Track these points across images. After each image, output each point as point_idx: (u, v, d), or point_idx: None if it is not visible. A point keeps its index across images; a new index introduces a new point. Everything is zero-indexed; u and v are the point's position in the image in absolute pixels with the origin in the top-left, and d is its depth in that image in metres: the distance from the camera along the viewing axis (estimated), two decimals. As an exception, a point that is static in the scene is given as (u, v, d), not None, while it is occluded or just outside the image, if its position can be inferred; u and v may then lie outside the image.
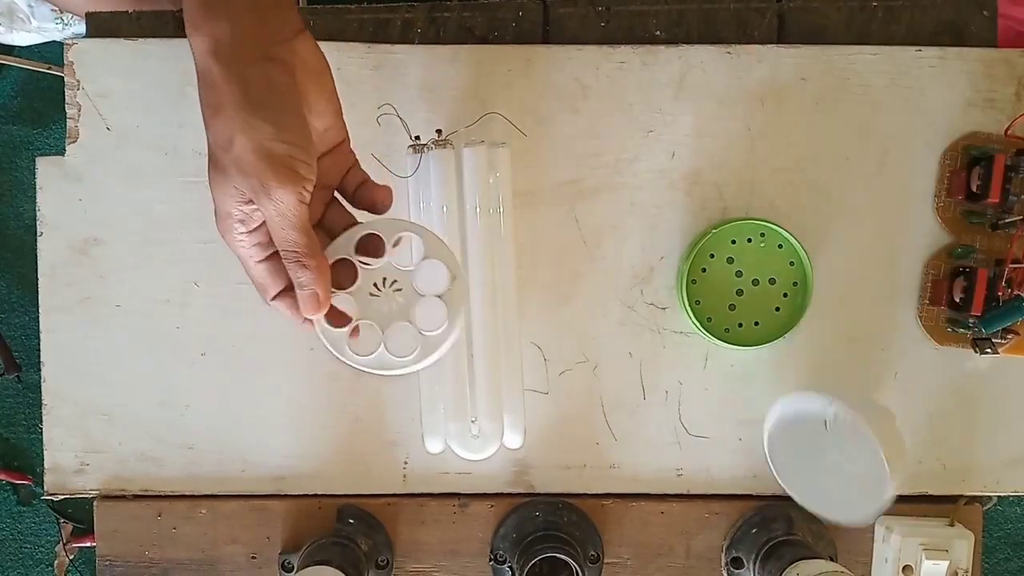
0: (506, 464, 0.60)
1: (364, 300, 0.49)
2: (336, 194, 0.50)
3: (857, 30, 0.60)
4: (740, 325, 0.59)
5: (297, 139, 0.43)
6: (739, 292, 0.58)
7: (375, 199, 0.49)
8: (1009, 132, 0.59)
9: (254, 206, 0.44)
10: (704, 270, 0.58)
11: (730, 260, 0.58)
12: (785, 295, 0.58)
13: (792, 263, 0.58)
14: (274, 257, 0.46)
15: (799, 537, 0.58)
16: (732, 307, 0.59)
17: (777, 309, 0.58)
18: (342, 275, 0.48)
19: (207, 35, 0.42)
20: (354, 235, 0.48)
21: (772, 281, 0.58)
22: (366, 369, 0.48)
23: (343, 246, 0.48)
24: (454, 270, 0.48)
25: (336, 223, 0.49)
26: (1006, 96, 0.59)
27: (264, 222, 0.45)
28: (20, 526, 1.30)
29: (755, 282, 0.58)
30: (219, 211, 0.45)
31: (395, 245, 0.49)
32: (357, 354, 0.48)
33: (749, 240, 0.58)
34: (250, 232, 0.45)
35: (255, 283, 0.47)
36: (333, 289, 0.47)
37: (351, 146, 0.49)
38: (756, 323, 0.59)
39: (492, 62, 0.59)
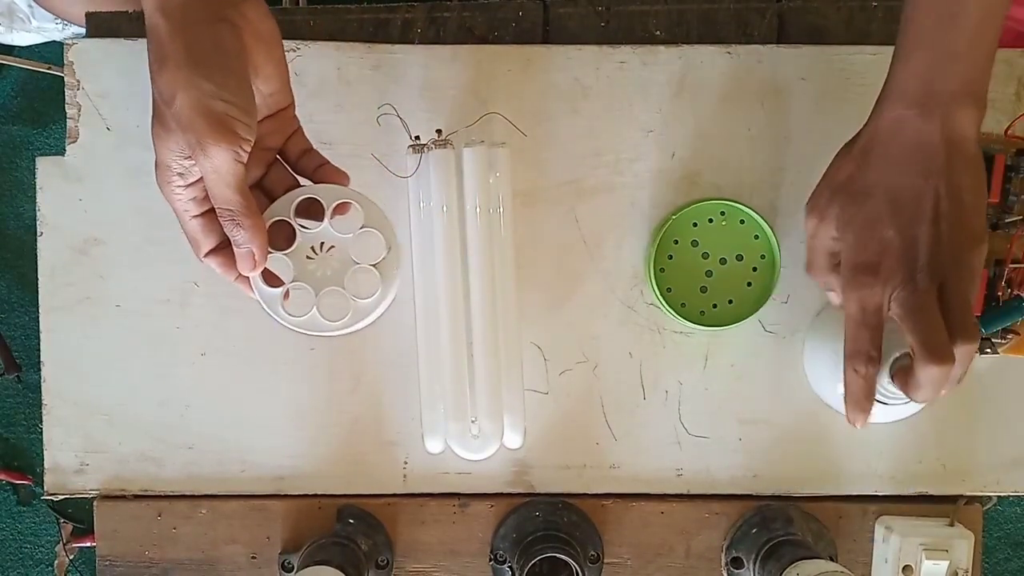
0: (506, 464, 0.60)
1: (300, 263, 0.50)
2: (278, 157, 0.51)
3: (857, 30, 0.60)
4: (715, 306, 0.59)
5: (237, 99, 0.44)
6: (708, 273, 0.59)
7: (331, 180, 0.51)
8: (1009, 132, 0.58)
9: (193, 161, 0.45)
10: (671, 257, 0.58)
11: (695, 243, 0.58)
12: (755, 269, 0.59)
13: (757, 236, 0.58)
14: (209, 213, 0.48)
15: (799, 537, 0.58)
16: (704, 289, 0.59)
17: (749, 284, 0.59)
18: (280, 237, 0.50)
19: None
20: (294, 198, 0.50)
21: (739, 258, 0.58)
22: (296, 329, 0.50)
23: (283, 208, 0.50)
24: (390, 240, 0.50)
25: (276, 185, 0.51)
26: (1006, 96, 0.59)
27: (200, 179, 0.46)
28: (20, 526, 1.30)
29: (723, 261, 0.59)
30: (159, 163, 0.46)
31: (334, 211, 0.50)
32: (290, 314, 0.49)
33: (711, 221, 0.58)
34: (187, 186, 0.47)
35: (189, 238, 0.49)
36: (270, 249, 0.49)
37: (295, 112, 0.51)
38: (730, 301, 0.59)
39: (492, 62, 0.59)
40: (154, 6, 0.44)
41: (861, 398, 0.48)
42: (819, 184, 0.51)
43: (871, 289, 0.46)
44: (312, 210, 0.50)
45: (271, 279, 0.50)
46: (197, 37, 0.44)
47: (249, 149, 0.45)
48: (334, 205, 0.50)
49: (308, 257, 0.51)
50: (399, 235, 0.58)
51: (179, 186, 0.46)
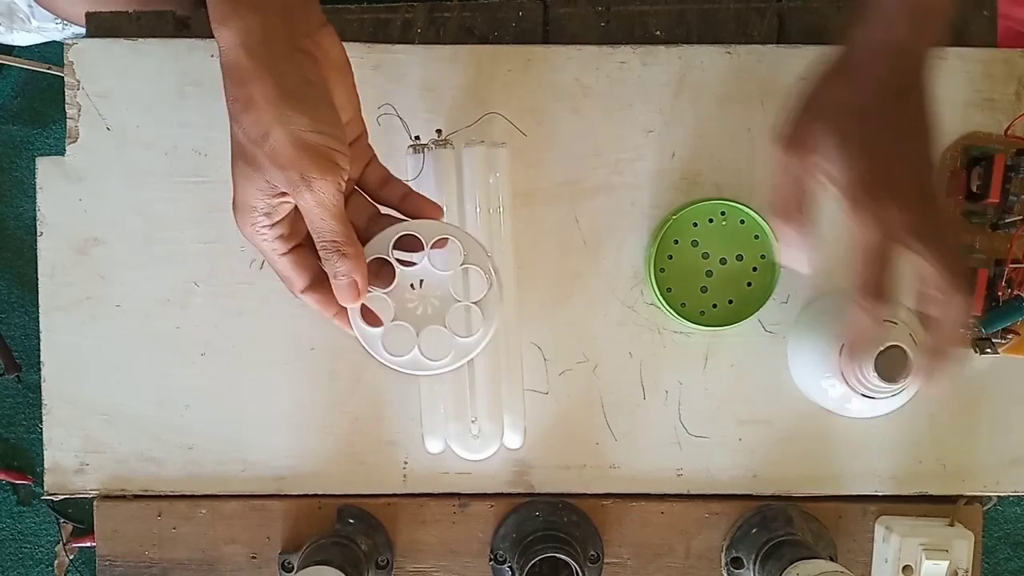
0: (506, 464, 0.60)
1: (400, 300, 0.48)
2: (357, 188, 0.50)
3: (857, 30, 0.60)
4: (715, 306, 0.59)
5: (332, 130, 0.43)
6: (708, 273, 0.59)
7: (422, 212, 0.49)
8: (1009, 132, 0.59)
9: (281, 199, 0.44)
10: (670, 257, 0.58)
11: (695, 243, 0.58)
12: (755, 269, 0.59)
13: (757, 236, 0.58)
14: (298, 249, 0.46)
15: (799, 537, 0.58)
16: (704, 289, 0.59)
17: (748, 284, 0.59)
18: (379, 275, 0.48)
19: (235, 28, 0.42)
20: (392, 235, 0.48)
21: (739, 257, 0.58)
22: (399, 369, 0.48)
23: (381, 245, 0.48)
24: (490, 278, 0.48)
25: (356, 216, 0.49)
26: (1006, 96, 0.59)
27: (286, 216, 0.45)
28: (20, 526, 1.30)
29: (723, 261, 0.59)
30: (242, 205, 0.45)
31: (433, 247, 0.48)
32: (391, 354, 0.48)
33: (711, 221, 0.58)
34: (273, 225, 0.45)
35: (282, 277, 0.47)
36: (369, 288, 0.47)
37: (368, 140, 0.50)
38: (730, 301, 0.59)
39: (492, 62, 0.59)
40: (234, 42, 0.42)
41: (863, 338, 0.46)
42: (795, 113, 0.47)
43: (889, 212, 0.43)
44: (407, 245, 0.48)
45: (370, 317, 0.48)
46: (284, 71, 0.42)
47: (347, 178, 0.44)
48: (433, 241, 0.48)
49: (407, 296, 0.49)
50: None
51: (265, 226, 0.45)
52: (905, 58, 0.46)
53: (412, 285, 0.49)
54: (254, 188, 0.44)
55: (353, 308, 0.47)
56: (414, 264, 0.48)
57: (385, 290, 0.48)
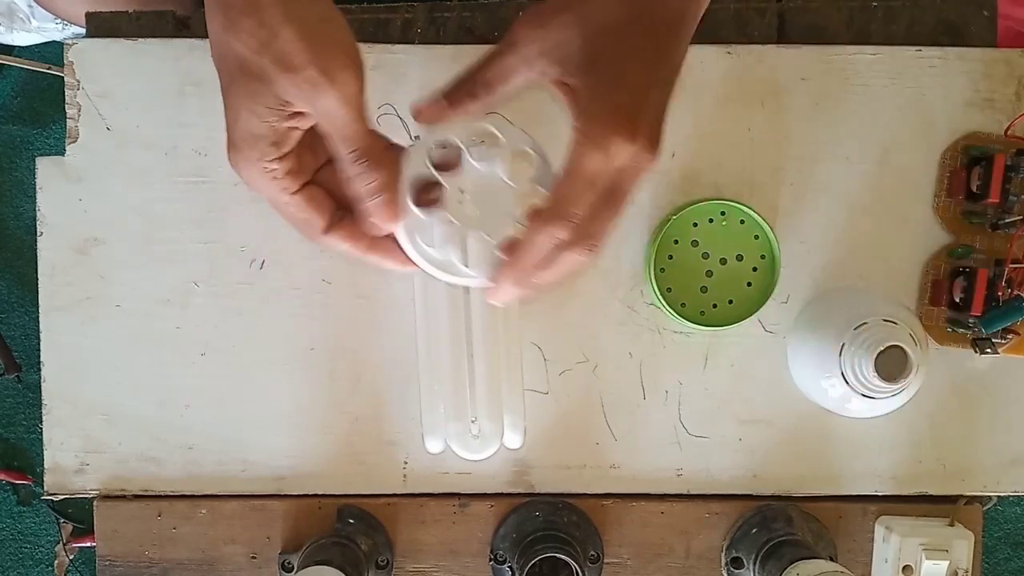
0: (506, 464, 0.60)
1: (453, 196, 0.44)
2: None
3: (857, 30, 0.60)
4: (715, 306, 0.59)
5: (343, 19, 0.39)
6: (708, 273, 0.59)
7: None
8: (1009, 132, 0.59)
9: (291, 122, 0.40)
10: (671, 257, 0.58)
11: (695, 243, 0.58)
12: (755, 269, 0.58)
13: (757, 236, 0.58)
14: (308, 187, 0.42)
15: (799, 537, 0.58)
16: (704, 289, 0.59)
17: (749, 284, 0.59)
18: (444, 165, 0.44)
19: None
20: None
21: (740, 257, 0.58)
22: (428, 268, 0.45)
23: (418, 160, 0.44)
24: (537, 160, 0.45)
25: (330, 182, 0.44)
26: (1006, 96, 0.59)
27: (294, 148, 0.41)
28: (20, 526, 1.30)
29: (723, 261, 0.59)
30: (244, 138, 0.40)
31: (514, 157, 0.45)
32: (426, 246, 0.44)
33: (711, 221, 0.58)
34: (282, 158, 0.40)
35: (296, 220, 0.42)
36: (432, 171, 0.43)
37: None
38: (730, 301, 0.59)
39: (492, 62, 0.59)
40: None
41: (532, 264, 0.42)
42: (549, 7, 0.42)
43: (621, 145, 0.40)
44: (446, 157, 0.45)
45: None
46: None
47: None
48: (515, 152, 0.45)
49: (461, 191, 0.44)
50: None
51: (273, 159, 0.40)
52: None
53: (472, 184, 0.45)
54: (261, 109, 0.39)
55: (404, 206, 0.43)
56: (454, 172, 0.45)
57: (428, 211, 0.44)
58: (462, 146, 0.45)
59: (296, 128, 0.41)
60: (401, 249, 0.45)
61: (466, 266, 0.45)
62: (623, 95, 0.40)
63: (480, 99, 0.43)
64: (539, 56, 0.42)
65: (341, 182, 0.43)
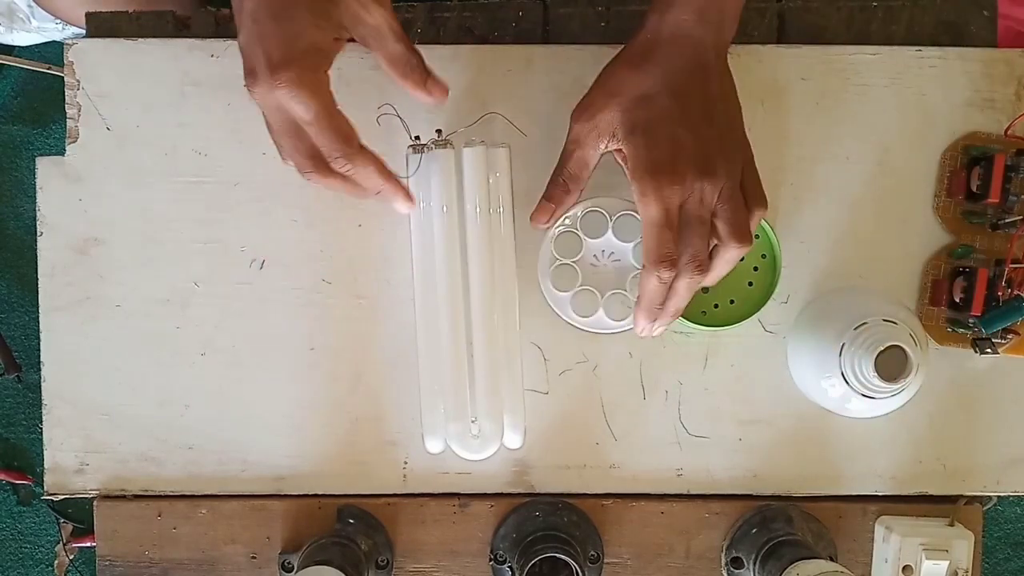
0: (506, 464, 0.60)
1: (585, 269, 0.56)
2: None
3: (857, 30, 0.60)
4: (716, 306, 0.59)
5: None
6: None
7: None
8: (1009, 132, 0.59)
9: (340, 37, 0.46)
10: None
11: None
12: (756, 268, 0.58)
13: (757, 236, 0.58)
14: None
15: (799, 537, 0.58)
16: (705, 289, 0.59)
17: (750, 284, 0.59)
18: (567, 247, 0.56)
19: None
20: (580, 211, 0.56)
21: (740, 257, 0.58)
22: (584, 328, 0.56)
23: (571, 220, 0.56)
24: None
25: None
26: (1006, 96, 0.59)
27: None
28: (20, 526, 1.30)
29: None
30: (307, 51, 0.45)
31: (615, 221, 0.56)
32: (578, 315, 0.56)
33: None
34: (328, 71, 0.46)
35: (339, 134, 0.47)
36: (557, 256, 0.56)
37: None
38: (731, 301, 0.59)
39: (492, 62, 0.59)
40: None
41: (656, 303, 0.50)
42: (591, 93, 0.52)
43: (671, 188, 0.47)
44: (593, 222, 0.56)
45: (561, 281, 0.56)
46: None
47: None
48: (616, 217, 0.56)
49: (592, 264, 0.56)
50: (399, 235, 0.59)
51: (327, 72, 0.46)
52: (691, 47, 0.49)
53: (596, 256, 0.57)
54: (325, 23, 0.45)
55: (545, 276, 0.56)
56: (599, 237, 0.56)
57: (573, 260, 0.56)
58: (576, 230, 0.56)
59: (340, 43, 0.46)
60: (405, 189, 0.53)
61: (612, 320, 0.56)
62: (658, 150, 0.48)
63: (572, 192, 0.53)
64: (597, 140, 0.51)
65: (395, 77, 0.50)
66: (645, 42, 0.50)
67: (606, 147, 0.51)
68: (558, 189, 0.53)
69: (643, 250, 0.49)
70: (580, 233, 0.56)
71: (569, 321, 0.56)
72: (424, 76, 0.50)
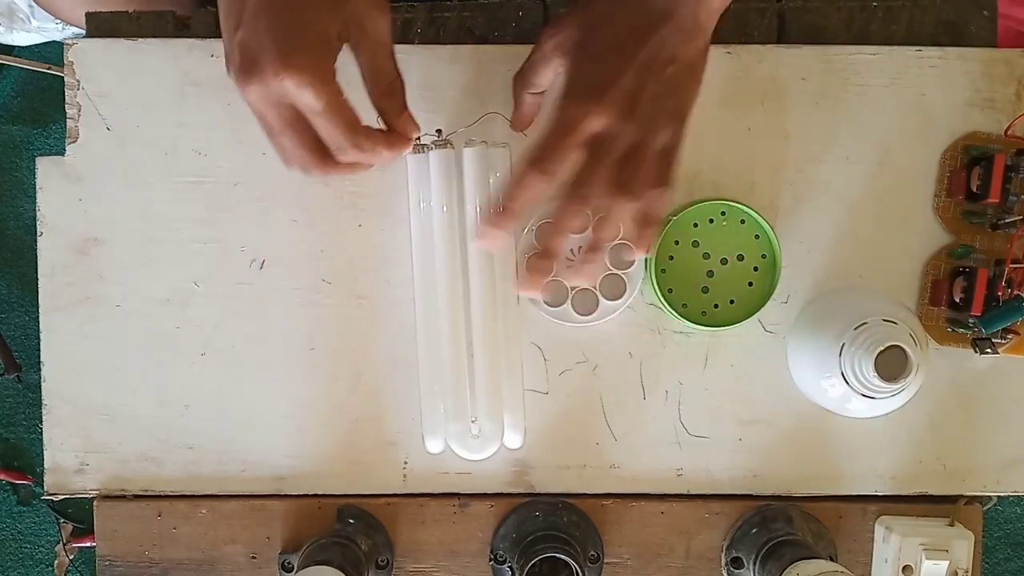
0: (506, 464, 0.60)
1: (560, 261, 0.55)
2: None
3: (857, 30, 0.60)
4: (716, 306, 0.59)
5: None
6: (710, 274, 0.59)
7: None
8: (1009, 132, 0.59)
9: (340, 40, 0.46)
10: (671, 258, 0.58)
11: (695, 244, 0.58)
12: (756, 268, 0.59)
13: (757, 236, 0.58)
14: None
15: (799, 537, 0.58)
16: (705, 289, 0.59)
17: (750, 284, 0.59)
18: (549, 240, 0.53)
19: None
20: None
21: (740, 257, 0.59)
22: (549, 317, 0.58)
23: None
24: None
25: None
26: (1006, 96, 0.59)
27: None
28: (20, 526, 1.30)
29: (724, 261, 0.59)
30: (318, 41, 0.45)
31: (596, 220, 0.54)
32: (547, 304, 0.58)
33: (711, 221, 0.58)
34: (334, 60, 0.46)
35: (346, 122, 0.46)
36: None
37: None
38: (731, 301, 0.59)
39: (492, 62, 0.59)
40: None
41: (509, 201, 0.47)
42: (567, 11, 0.51)
43: (594, 114, 0.45)
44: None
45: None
46: None
47: None
48: (598, 217, 0.55)
49: (568, 258, 0.57)
50: (399, 235, 0.59)
51: (334, 65, 0.46)
52: (678, 4, 0.47)
53: (573, 251, 0.58)
54: (333, 15, 0.45)
55: (520, 263, 0.58)
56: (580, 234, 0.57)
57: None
58: (592, 218, 0.55)
59: (340, 42, 0.46)
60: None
61: (578, 313, 0.58)
62: (597, 70, 0.46)
63: (524, 88, 0.54)
64: (553, 50, 0.50)
65: (374, 94, 0.49)
66: None
67: (558, 66, 0.50)
68: (517, 87, 0.54)
69: (528, 154, 0.46)
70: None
71: (537, 308, 0.58)
72: (404, 105, 0.50)
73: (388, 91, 0.49)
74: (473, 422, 0.56)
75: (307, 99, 0.44)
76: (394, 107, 0.49)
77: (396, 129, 0.50)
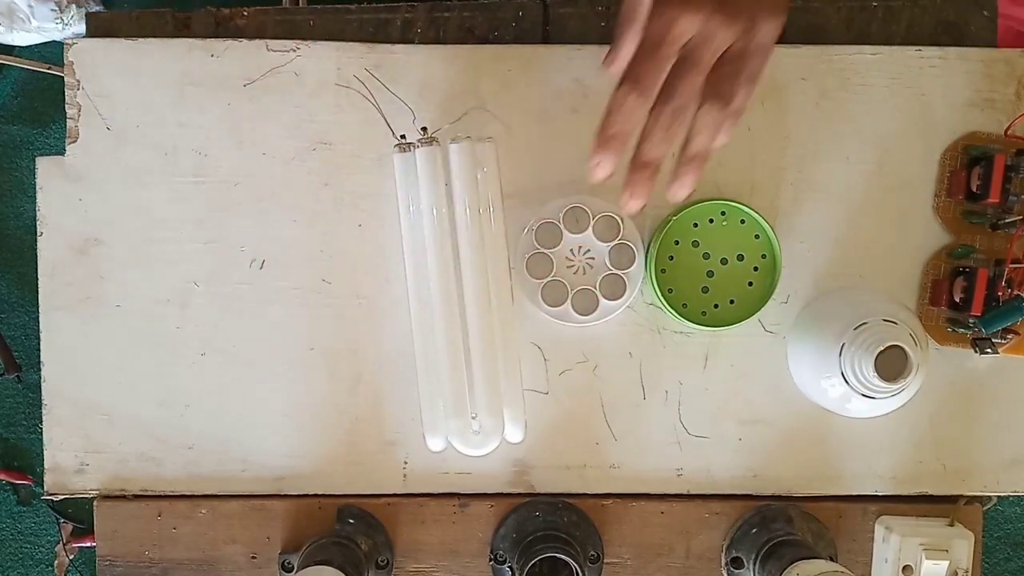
0: (506, 464, 0.60)
1: (560, 261, 0.58)
2: None
3: (857, 30, 0.60)
4: (716, 306, 0.59)
5: None
6: (710, 274, 0.58)
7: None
8: (1009, 132, 0.59)
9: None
10: (671, 258, 0.58)
11: (695, 244, 0.58)
12: (756, 268, 0.58)
13: (757, 236, 0.58)
14: None
15: (799, 537, 0.58)
16: (705, 289, 0.59)
17: (750, 284, 0.59)
18: (548, 237, 0.57)
19: None
20: (564, 204, 0.57)
21: (740, 257, 0.58)
22: (549, 317, 0.58)
23: (553, 212, 0.57)
24: (638, 253, 0.57)
25: None
26: (1006, 96, 0.59)
27: None
28: (20, 526, 1.30)
29: (724, 261, 0.58)
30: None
31: (596, 221, 0.57)
32: (546, 304, 0.58)
33: (711, 221, 0.58)
34: None
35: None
36: (537, 246, 0.57)
37: None
38: (732, 301, 0.59)
39: (492, 62, 0.59)
40: None
41: (614, 128, 0.46)
42: None
43: (686, 16, 0.44)
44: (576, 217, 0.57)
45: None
46: None
47: None
48: (598, 217, 0.57)
49: (568, 257, 0.58)
50: (391, 232, 0.59)
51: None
52: None
53: (572, 250, 0.58)
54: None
55: (521, 262, 0.57)
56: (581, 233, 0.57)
57: (551, 249, 0.57)
58: (558, 223, 0.57)
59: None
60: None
61: (577, 313, 0.58)
62: None
63: (631, 24, 0.49)
64: None
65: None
66: None
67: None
68: (621, 26, 0.51)
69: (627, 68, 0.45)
70: (561, 226, 0.57)
71: (537, 308, 0.58)
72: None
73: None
74: (473, 418, 0.56)
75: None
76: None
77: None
